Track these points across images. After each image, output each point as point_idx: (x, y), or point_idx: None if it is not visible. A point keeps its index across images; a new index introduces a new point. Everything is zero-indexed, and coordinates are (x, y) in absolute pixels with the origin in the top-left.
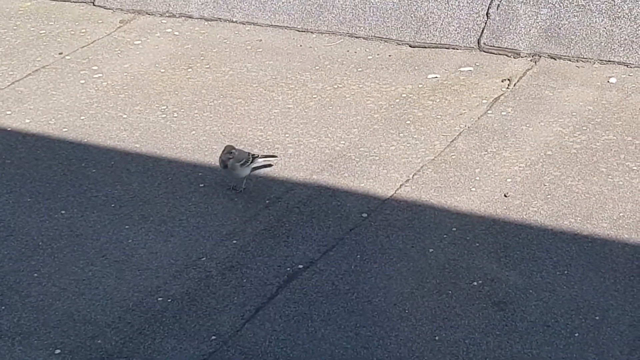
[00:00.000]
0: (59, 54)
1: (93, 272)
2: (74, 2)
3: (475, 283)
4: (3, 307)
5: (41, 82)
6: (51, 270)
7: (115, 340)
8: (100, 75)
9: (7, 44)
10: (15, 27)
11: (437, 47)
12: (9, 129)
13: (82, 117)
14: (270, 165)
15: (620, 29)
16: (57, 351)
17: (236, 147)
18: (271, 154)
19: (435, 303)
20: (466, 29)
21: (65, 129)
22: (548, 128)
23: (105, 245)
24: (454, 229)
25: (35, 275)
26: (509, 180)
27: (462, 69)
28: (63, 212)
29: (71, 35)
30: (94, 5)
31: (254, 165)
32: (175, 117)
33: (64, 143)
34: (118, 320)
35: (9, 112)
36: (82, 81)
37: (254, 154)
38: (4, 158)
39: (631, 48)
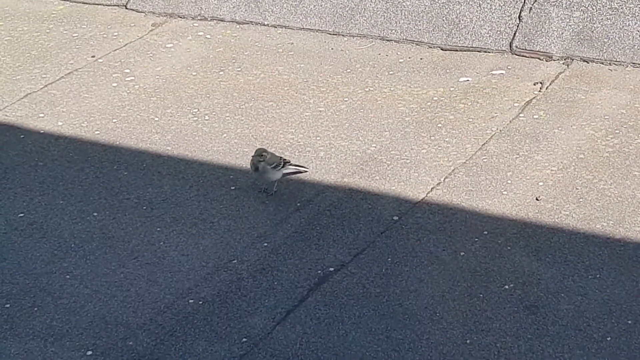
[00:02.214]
0: (92, 57)
1: (125, 274)
2: (106, 5)
3: (506, 286)
4: (35, 309)
5: (74, 85)
6: (83, 272)
7: (147, 341)
8: (133, 78)
9: (40, 47)
10: (48, 30)
11: (469, 50)
12: (41, 131)
13: (114, 120)
14: (301, 172)
15: None
16: (89, 352)
17: (268, 150)
18: (302, 165)
19: (466, 306)
20: (498, 32)
21: (98, 132)
22: (580, 131)
23: (136, 248)
24: (486, 232)
25: (68, 277)
26: (540, 183)
27: (494, 72)
28: (95, 214)
29: (103, 38)
30: (126, 8)
31: (286, 170)
32: (207, 120)
33: (96, 146)
34: (149, 322)
35: (41, 115)
36: (115, 84)
37: (285, 159)
38: (36, 160)
39: None
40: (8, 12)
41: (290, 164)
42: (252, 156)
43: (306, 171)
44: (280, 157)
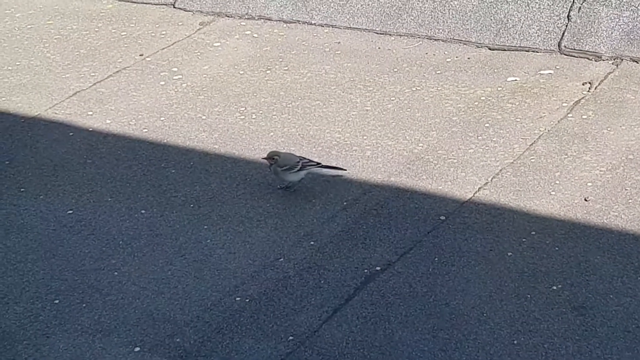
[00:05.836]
0: (140, 55)
1: (172, 271)
2: (154, 4)
3: (554, 287)
4: (84, 305)
5: (122, 83)
6: (131, 269)
7: (194, 338)
8: (180, 76)
9: (89, 46)
10: (97, 29)
11: (516, 50)
12: (90, 129)
13: (162, 118)
14: (339, 175)
15: None
16: (137, 349)
17: (281, 153)
18: (339, 167)
19: (514, 307)
20: (547, 32)
21: (146, 130)
22: (630, 132)
23: (184, 245)
24: (533, 233)
25: (116, 274)
26: (589, 184)
27: (542, 71)
28: (143, 211)
29: (152, 37)
30: (174, 7)
31: (306, 171)
32: (254, 118)
33: (144, 143)
34: (196, 319)
35: (90, 113)
36: (162, 82)
37: (307, 161)
38: (85, 158)
39: None
40: (58, 10)
41: (321, 166)
42: (263, 158)
43: (340, 176)
44: (300, 159)
